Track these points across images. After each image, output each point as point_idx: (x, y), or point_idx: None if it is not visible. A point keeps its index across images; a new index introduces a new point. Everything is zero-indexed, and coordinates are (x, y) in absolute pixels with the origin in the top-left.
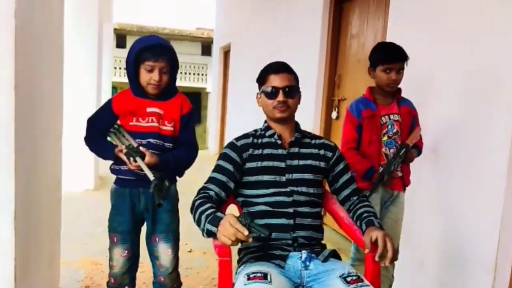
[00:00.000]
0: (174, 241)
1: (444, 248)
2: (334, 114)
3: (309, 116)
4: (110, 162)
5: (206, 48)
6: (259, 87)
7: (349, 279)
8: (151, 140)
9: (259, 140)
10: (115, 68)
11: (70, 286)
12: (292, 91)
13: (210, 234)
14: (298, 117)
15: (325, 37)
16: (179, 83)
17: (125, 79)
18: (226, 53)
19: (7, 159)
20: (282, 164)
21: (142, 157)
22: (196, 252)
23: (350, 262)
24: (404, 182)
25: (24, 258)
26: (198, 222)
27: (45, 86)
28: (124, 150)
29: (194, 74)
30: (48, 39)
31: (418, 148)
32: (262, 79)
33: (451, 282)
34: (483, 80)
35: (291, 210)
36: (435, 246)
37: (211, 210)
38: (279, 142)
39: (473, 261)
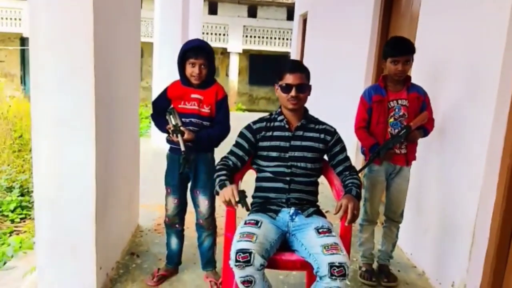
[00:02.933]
0: (210, 195)
1: (443, 216)
2: None
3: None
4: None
5: (291, 13)
6: (277, 81)
7: (320, 230)
8: (193, 119)
9: (271, 124)
10: (205, 33)
11: (146, 223)
12: (303, 88)
13: (217, 193)
14: (346, 104)
15: (376, 26)
16: (266, 47)
17: (215, 43)
18: (305, 21)
19: (89, 124)
20: (287, 144)
21: (183, 134)
22: None
23: (360, 222)
24: (408, 158)
25: (103, 199)
26: (214, 181)
27: (122, 60)
28: (171, 128)
29: (279, 38)
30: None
31: (425, 130)
32: (279, 75)
33: (446, 246)
34: (479, 74)
35: (288, 178)
36: (437, 214)
37: (224, 177)
38: (286, 126)
39: (460, 227)
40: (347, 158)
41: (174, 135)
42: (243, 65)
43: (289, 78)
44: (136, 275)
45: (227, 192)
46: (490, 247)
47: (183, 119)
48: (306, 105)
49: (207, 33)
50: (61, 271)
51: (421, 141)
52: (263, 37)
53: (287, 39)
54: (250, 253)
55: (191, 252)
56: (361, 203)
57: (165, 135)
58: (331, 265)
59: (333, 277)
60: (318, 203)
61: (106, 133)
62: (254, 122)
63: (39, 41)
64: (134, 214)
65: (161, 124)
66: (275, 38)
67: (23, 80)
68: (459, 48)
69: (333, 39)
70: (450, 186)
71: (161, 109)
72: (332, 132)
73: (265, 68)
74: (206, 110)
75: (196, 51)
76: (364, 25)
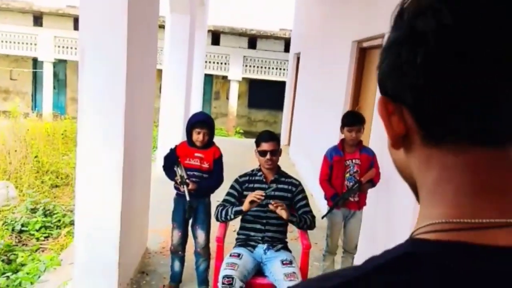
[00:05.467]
0: (206, 229)
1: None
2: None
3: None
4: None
5: (289, 45)
6: (256, 147)
7: (284, 262)
8: (195, 173)
9: (253, 178)
10: (208, 62)
11: (153, 246)
12: (275, 153)
13: (237, 213)
14: (328, 135)
15: (351, 76)
16: (264, 76)
17: (217, 71)
18: (298, 58)
19: (117, 174)
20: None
21: (187, 185)
22: None
23: (323, 252)
24: (359, 204)
25: (125, 228)
26: (225, 215)
27: (142, 108)
28: (178, 180)
29: (277, 68)
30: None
31: (372, 182)
32: (257, 143)
33: None
34: None
35: (264, 221)
36: (382, 247)
37: (230, 205)
38: (264, 180)
39: None
40: (307, 205)
41: (181, 185)
42: (243, 89)
43: (264, 146)
44: None
45: (252, 196)
46: None
47: (188, 172)
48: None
49: (210, 62)
50: (91, 286)
51: (373, 189)
52: (261, 67)
53: (283, 69)
54: (233, 278)
55: (190, 272)
56: (324, 238)
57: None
58: None
59: None
60: (286, 240)
61: (129, 177)
62: (240, 176)
63: (84, 108)
64: (144, 238)
65: (170, 175)
66: (272, 68)
67: (34, 98)
68: None
69: (318, 80)
70: (390, 226)
71: (171, 163)
72: (297, 185)
73: (264, 93)
74: (205, 165)
75: (201, 124)
76: (341, 76)
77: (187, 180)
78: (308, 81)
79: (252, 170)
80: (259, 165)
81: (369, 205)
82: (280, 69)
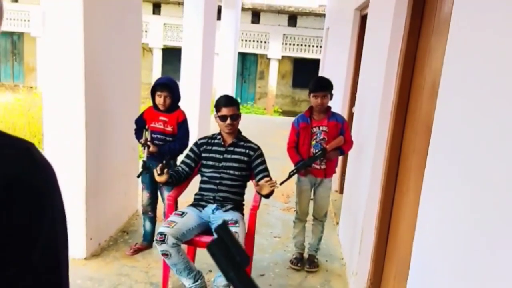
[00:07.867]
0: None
1: (354, 217)
2: (353, 109)
3: (340, 109)
4: None
5: None
6: (216, 112)
7: (230, 222)
8: (159, 136)
9: (212, 141)
10: (248, 41)
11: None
12: (235, 117)
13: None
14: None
15: (354, 45)
16: (305, 54)
17: (257, 50)
18: None
19: (81, 129)
20: (221, 156)
21: (148, 147)
22: None
23: (293, 219)
24: (326, 172)
25: (94, 187)
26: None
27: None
28: (142, 142)
29: (316, 46)
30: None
31: (341, 150)
32: (217, 108)
33: (353, 242)
34: (376, 107)
35: (217, 181)
36: (353, 215)
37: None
38: (222, 143)
39: (358, 227)
40: (266, 169)
41: (143, 147)
42: (287, 68)
43: (224, 111)
44: (121, 246)
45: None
46: (374, 244)
47: (152, 135)
48: None
49: (249, 40)
50: None
51: (350, 159)
52: (301, 45)
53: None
54: (165, 235)
55: None
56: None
57: None
58: None
59: None
60: (242, 201)
61: (96, 135)
62: (200, 139)
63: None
64: (132, 201)
65: (138, 137)
66: (313, 46)
67: None
68: (369, 89)
69: (335, 54)
70: (357, 194)
71: (139, 126)
72: (255, 149)
73: (308, 72)
74: (169, 129)
75: (161, 87)
76: (348, 47)
77: (148, 143)
78: (331, 56)
79: (213, 134)
80: (220, 129)
81: (348, 175)
82: (319, 46)
